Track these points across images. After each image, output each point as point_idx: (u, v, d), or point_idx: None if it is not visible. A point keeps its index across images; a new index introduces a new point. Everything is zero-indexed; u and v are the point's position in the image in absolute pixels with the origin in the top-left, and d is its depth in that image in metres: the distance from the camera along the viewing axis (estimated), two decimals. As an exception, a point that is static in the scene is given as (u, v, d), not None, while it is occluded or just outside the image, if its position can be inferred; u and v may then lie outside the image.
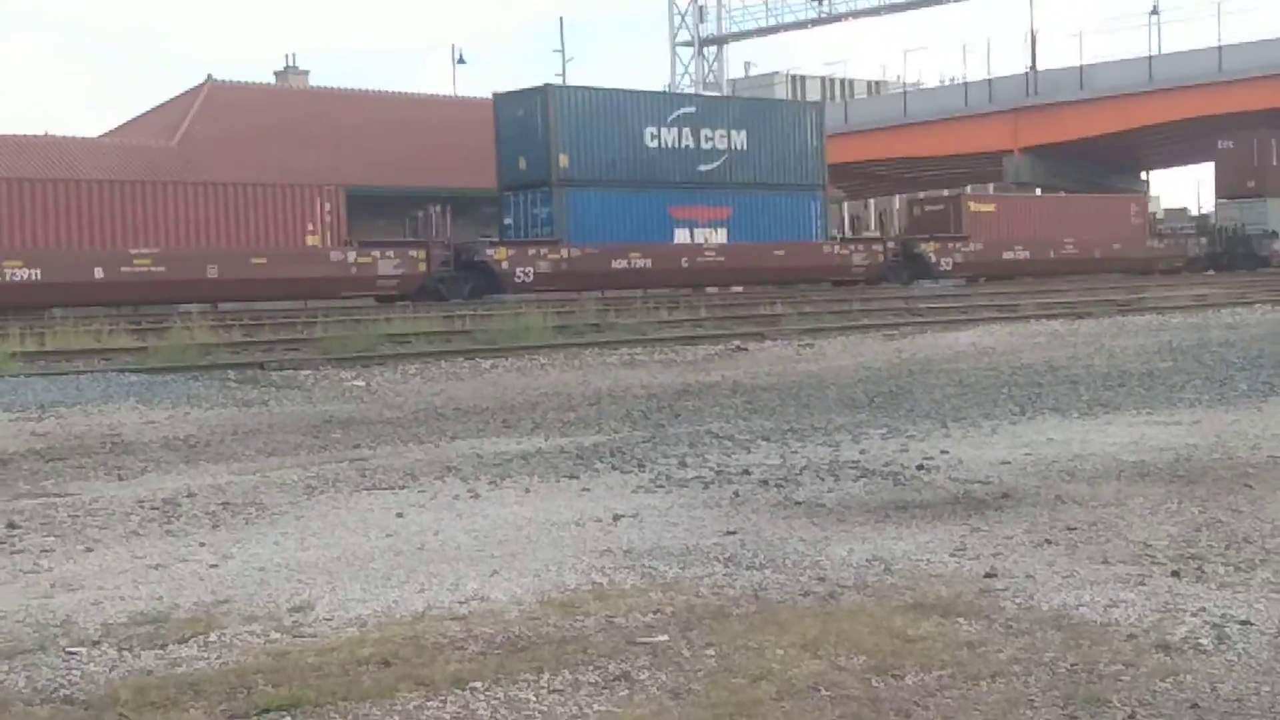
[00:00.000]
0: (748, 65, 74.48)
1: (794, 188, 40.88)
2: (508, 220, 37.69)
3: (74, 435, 10.73)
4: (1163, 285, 36.07)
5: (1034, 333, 21.03)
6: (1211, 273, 47.89)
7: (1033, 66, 58.43)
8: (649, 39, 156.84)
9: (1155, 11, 56.95)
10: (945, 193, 49.16)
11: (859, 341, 20.22)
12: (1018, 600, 4.78)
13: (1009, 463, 7.81)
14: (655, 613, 4.74)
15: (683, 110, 39.28)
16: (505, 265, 34.91)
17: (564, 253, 35.97)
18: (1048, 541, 5.69)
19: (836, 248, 41.58)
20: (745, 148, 39.91)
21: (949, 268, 43.02)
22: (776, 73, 76.62)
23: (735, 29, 43.99)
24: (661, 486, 7.39)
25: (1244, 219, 51.48)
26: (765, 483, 7.36)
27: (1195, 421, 9.50)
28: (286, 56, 51.61)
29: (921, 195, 49.04)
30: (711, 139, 39.29)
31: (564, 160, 36.38)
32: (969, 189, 49.44)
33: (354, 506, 7.11)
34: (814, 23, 43.73)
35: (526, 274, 35.11)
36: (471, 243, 35.49)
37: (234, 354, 17.81)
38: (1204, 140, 54.33)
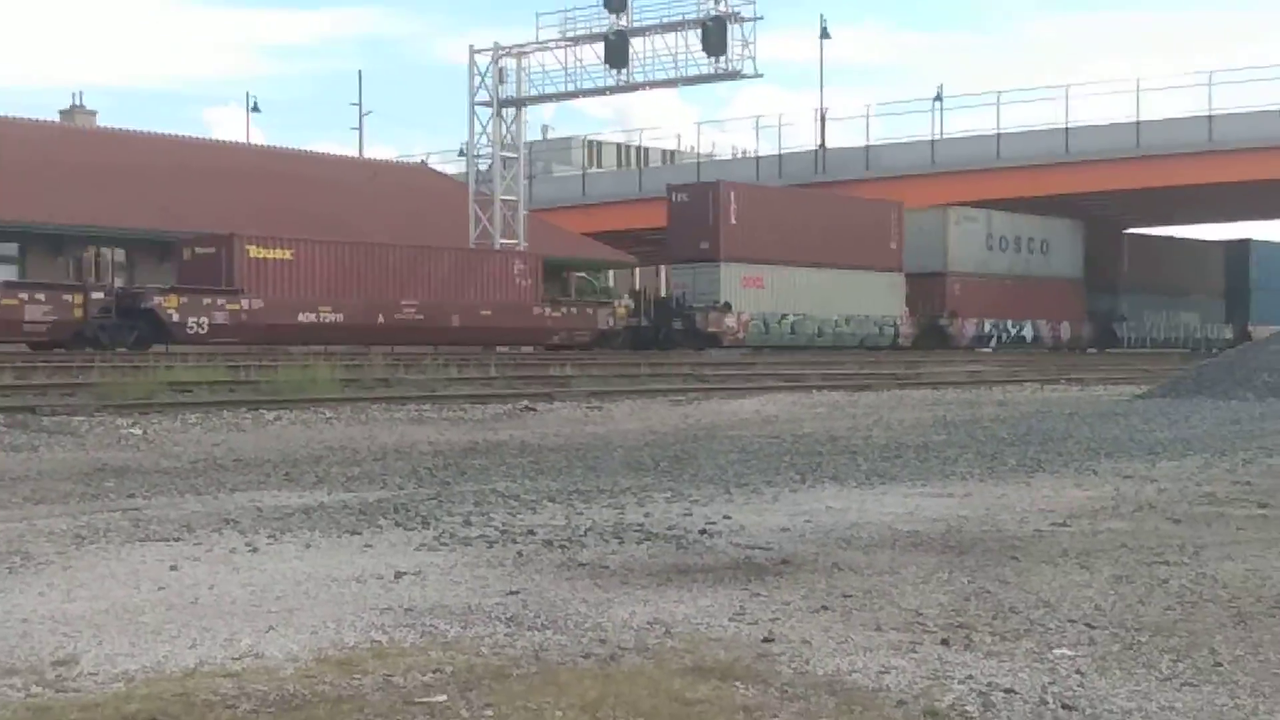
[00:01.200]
0: (545, 129, 75.22)
1: None
2: None
3: None
4: (939, 361, 37.32)
5: (816, 403, 21.49)
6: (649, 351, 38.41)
7: (822, 145, 60.08)
8: (449, 97, 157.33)
9: (939, 98, 59.01)
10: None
11: (646, 405, 20.40)
12: (794, 665, 4.85)
13: (789, 529, 7.95)
14: (435, 672, 4.69)
15: None
16: None
17: None
18: (824, 608, 5.79)
19: None
20: None
21: (203, 330, 32.78)
22: (573, 137, 77.44)
23: (534, 92, 44.16)
24: (445, 545, 7.33)
25: (695, 287, 43.37)
26: (550, 543, 7.36)
27: (967, 494, 9.80)
28: (74, 95, 49.97)
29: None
30: None
31: None
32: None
33: (125, 558, 6.88)
34: (612, 90, 44.11)
35: None
36: None
37: (4, 397, 17.15)
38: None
